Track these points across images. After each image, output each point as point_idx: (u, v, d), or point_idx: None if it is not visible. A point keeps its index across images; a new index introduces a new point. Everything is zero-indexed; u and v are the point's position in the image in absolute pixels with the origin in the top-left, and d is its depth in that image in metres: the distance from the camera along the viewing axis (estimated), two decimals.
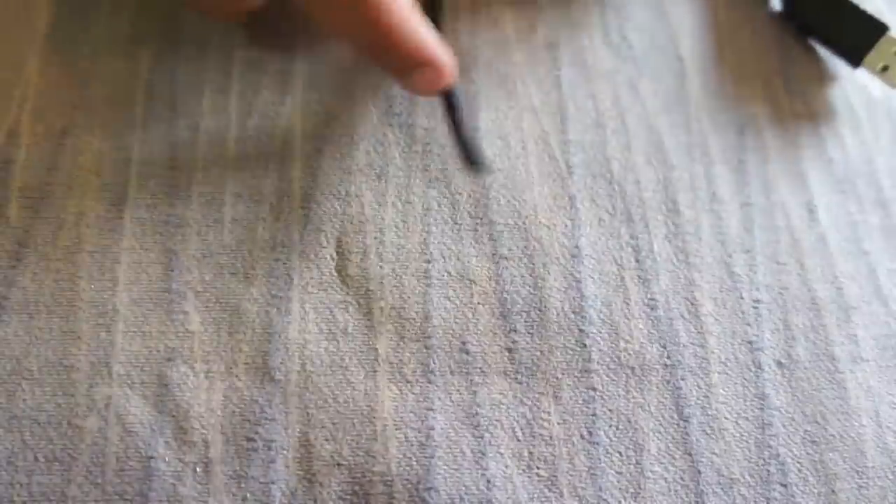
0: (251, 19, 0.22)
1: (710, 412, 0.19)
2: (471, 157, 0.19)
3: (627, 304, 0.20)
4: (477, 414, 0.18)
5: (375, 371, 0.18)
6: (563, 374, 0.19)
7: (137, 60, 0.22)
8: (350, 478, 0.17)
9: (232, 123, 0.21)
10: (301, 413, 0.18)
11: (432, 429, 0.18)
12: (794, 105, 0.24)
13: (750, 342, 0.20)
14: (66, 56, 0.22)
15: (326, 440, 0.18)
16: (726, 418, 0.19)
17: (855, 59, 0.24)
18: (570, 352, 0.19)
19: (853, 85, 0.25)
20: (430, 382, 0.18)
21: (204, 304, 0.19)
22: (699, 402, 0.19)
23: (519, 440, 0.18)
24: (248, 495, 0.17)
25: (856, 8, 0.24)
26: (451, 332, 0.19)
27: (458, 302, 0.19)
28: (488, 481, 0.18)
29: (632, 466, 0.18)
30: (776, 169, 0.22)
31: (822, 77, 0.25)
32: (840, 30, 0.24)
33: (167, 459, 0.17)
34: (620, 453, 0.18)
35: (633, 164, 0.22)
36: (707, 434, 0.18)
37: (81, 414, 0.17)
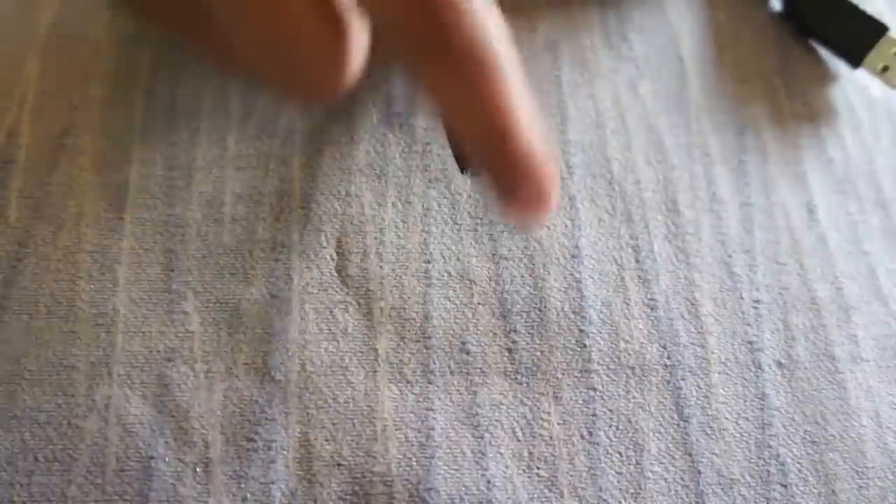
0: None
1: (710, 412, 0.19)
2: (466, 160, 0.19)
3: (627, 304, 0.20)
4: (477, 414, 0.18)
5: (375, 371, 0.18)
6: (563, 374, 0.19)
7: (137, 60, 0.22)
8: (350, 478, 0.17)
9: (232, 123, 0.21)
10: (301, 413, 0.18)
11: (432, 429, 0.18)
12: (794, 105, 0.24)
13: (750, 342, 0.20)
14: (66, 56, 0.22)
15: (326, 440, 0.18)
16: (726, 418, 0.19)
17: (855, 60, 0.24)
18: (570, 352, 0.19)
19: (853, 85, 0.25)
20: (430, 382, 0.18)
21: (204, 304, 0.19)
22: (699, 402, 0.19)
23: (519, 440, 0.18)
24: (248, 495, 0.17)
25: (856, 8, 0.24)
26: (451, 332, 0.19)
27: (458, 302, 0.19)
28: (488, 481, 0.18)
29: (632, 466, 0.18)
30: (776, 169, 0.22)
31: (822, 77, 0.25)
32: (840, 30, 0.24)
33: (167, 459, 0.17)
34: (620, 453, 0.18)
35: (633, 164, 0.22)
36: (707, 434, 0.18)
37: (81, 414, 0.17)
